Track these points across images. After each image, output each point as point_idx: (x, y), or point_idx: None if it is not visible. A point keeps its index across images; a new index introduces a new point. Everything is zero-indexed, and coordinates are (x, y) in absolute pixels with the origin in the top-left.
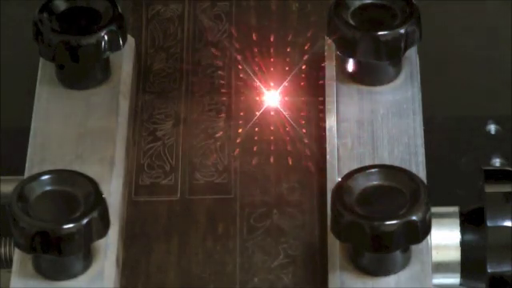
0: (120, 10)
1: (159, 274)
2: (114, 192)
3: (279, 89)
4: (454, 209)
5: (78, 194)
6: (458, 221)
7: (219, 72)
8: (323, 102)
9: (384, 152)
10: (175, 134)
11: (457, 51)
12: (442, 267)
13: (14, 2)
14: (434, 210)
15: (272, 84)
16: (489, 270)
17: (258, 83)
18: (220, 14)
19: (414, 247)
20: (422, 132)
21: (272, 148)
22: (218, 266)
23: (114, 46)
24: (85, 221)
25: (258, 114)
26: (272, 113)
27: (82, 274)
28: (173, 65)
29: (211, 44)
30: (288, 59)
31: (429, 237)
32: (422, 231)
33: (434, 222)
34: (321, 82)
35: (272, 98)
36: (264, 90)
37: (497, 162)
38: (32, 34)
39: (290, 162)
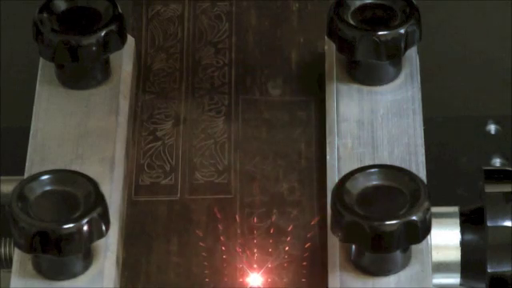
0: (120, 10)
1: (159, 274)
2: (114, 192)
3: (280, 88)
4: (454, 209)
5: (78, 194)
6: (458, 221)
7: (219, 72)
8: (323, 102)
9: (384, 152)
10: (175, 133)
11: (457, 51)
12: (442, 267)
13: (14, 2)
14: (434, 209)
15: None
16: (489, 270)
17: (260, 83)
18: (220, 14)
19: (413, 247)
20: (422, 132)
21: (272, 148)
22: (217, 265)
23: (113, 46)
24: (85, 221)
25: (257, 114)
26: (271, 117)
27: (81, 274)
28: (173, 65)
29: (211, 44)
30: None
31: (429, 237)
32: (421, 231)
33: (434, 222)
34: (320, 81)
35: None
36: (264, 92)
37: (497, 162)
38: (32, 34)
39: (290, 162)
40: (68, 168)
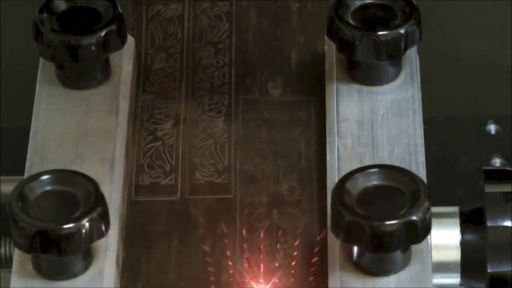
0: (120, 10)
1: (159, 274)
2: (114, 192)
3: (280, 89)
4: (454, 209)
5: (77, 194)
6: (458, 221)
7: (219, 72)
8: (323, 102)
9: (384, 152)
10: (175, 133)
11: (457, 51)
12: (442, 267)
13: (14, 2)
14: (434, 209)
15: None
16: (489, 270)
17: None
18: (220, 14)
19: (413, 247)
20: (422, 132)
21: (272, 148)
22: (217, 265)
23: (113, 45)
24: (85, 221)
25: (257, 114)
26: (271, 117)
27: (81, 274)
28: (173, 65)
29: (211, 44)
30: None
31: (429, 237)
32: (422, 231)
33: (434, 222)
34: (320, 81)
35: (270, 96)
36: (264, 92)
37: (497, 162)
38: (32, 34)
39: (290, 162)
40: (68, 168)
